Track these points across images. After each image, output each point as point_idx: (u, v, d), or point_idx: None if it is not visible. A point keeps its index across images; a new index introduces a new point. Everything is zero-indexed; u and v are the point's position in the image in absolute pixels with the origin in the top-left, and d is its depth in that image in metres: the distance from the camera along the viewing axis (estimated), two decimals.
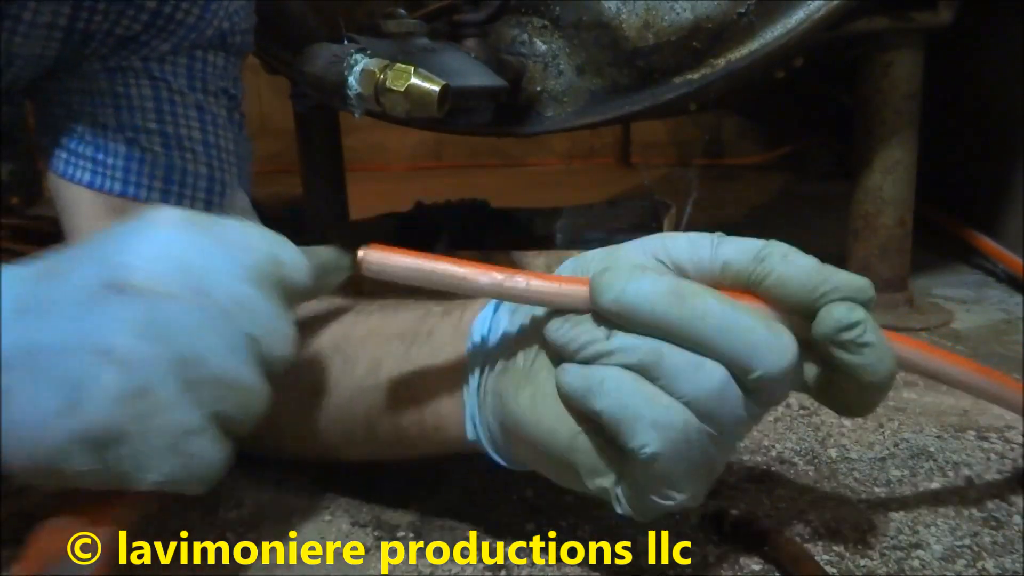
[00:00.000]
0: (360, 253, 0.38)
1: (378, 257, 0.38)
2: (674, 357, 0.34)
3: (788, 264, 0.36)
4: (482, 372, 0.42)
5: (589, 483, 0.37)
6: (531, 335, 0.40)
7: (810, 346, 0.36)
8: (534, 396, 0.38)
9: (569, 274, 0.39)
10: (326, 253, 0.44)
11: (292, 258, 0.39)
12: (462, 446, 0.44)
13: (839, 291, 0.35)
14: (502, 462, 0.43)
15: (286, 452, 0.54)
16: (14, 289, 0.35)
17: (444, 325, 0.46)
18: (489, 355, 0.42)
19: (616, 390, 0.34)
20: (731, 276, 0.36)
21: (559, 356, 0.37)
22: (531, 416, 0.38)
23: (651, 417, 0.33)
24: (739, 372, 0.34)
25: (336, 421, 0.49)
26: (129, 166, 0.58)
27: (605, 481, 0.37)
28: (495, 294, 0.38)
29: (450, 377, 0.44)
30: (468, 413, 0.43)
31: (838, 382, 0.37)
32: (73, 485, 0.35)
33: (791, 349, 0.35)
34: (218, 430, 0.36)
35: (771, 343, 0.34)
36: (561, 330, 0.37)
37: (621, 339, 0.35)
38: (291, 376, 0.40)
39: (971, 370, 0.45)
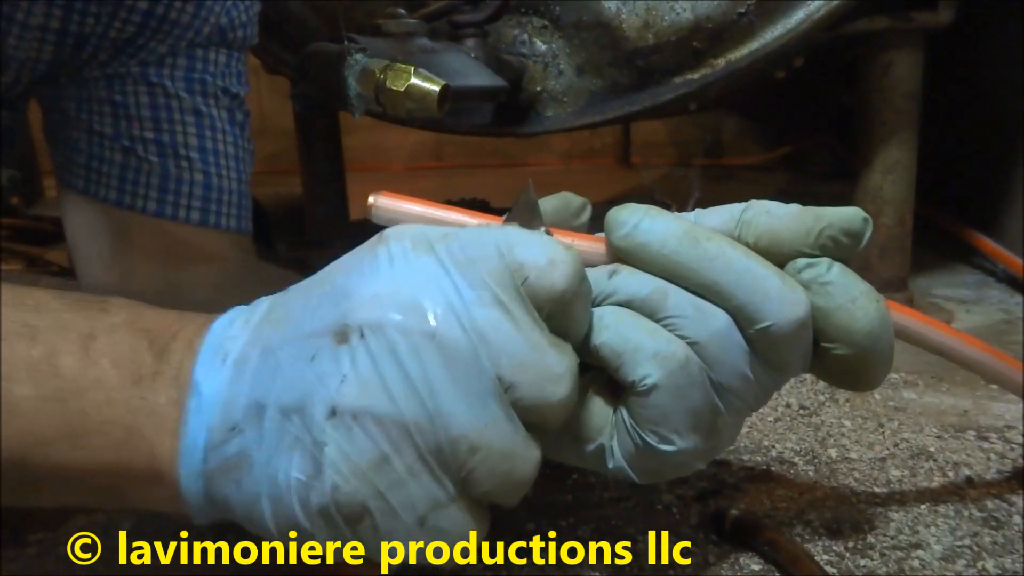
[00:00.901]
0: (371, 199, 0.37)
1: (389, 203, 0.37)
2: (678, 298, 0.33)
3: (773, 216, 0.35)
4: None
5: (586, 446, 0.36)
6: None
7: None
8: None
9: None
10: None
11: (537, 254, 0.30)
12: None
13: (833, 225, 0.34)
14: None
15: None
16: (241, 337, 0.32)
17: None
18: None
19: (616, 324, 0.33)
20: None
21: None
22: None
23: (652, 348, 0.33)
24: (746, 322, 0.33)
25: None
26: (124, 175, 0.58)
27: (601, 438, 0.36)
28: None
29: None
30: None
31: (826, 344, 0.35)
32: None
33: (803, 303, 0.34)
34: (469, 500, 0.31)
35: (784, 294, 0.33)
36: None
37: (624, 277, 0.34)
38: None
39: (974, 345, 0.43)
